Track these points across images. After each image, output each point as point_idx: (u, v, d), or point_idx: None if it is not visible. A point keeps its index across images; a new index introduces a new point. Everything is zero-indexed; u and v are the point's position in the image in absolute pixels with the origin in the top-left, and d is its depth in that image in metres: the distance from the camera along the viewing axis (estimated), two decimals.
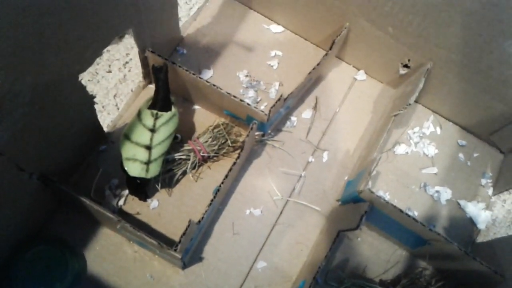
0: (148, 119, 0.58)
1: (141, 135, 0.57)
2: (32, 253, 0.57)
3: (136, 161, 0.57)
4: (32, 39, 0.40)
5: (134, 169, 0.57)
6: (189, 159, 0.63)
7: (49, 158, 0.54)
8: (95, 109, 0.59)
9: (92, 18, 0.47)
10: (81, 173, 0.64)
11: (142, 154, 0.57)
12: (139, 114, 0.59)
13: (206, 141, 0.64)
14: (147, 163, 0.57)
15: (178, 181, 0.65)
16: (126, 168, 0.57)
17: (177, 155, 0.63)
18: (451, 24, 0.58)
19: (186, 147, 0.63)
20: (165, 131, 0.59)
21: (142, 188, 0.61)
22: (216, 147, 0.64)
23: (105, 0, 0.48)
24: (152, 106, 0.59)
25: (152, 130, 0.58)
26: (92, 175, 0.63)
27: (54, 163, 0.56)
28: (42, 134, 0.50)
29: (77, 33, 0.46)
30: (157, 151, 0.58)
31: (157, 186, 0.63)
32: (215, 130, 0.65)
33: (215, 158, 0.66)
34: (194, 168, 0.65)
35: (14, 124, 0.43)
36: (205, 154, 0.63)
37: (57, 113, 0.50)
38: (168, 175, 0.63)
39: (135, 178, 0.58)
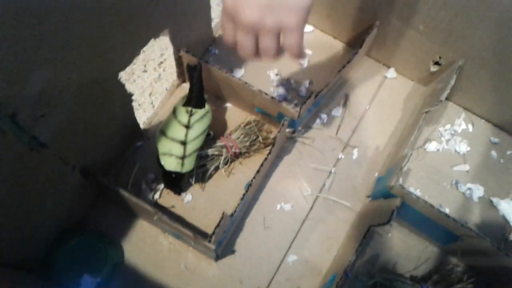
0: (183, 116, 0.61)
1: (177, 131, 0.60)
2: (73, 243, 0.60)
3: (171, 156, 0.59)
4: (78, 39, 0.43)
5: (170, 164, 0.59)
6: (221, 155, 0.65)
7: (89, 152, 0.57)
8: (132, 107, 0.62)
9: (131, 20, 0.50)
10: (119, 168, 0.67)
11: (178, 149, 0.59)
12: (174, 111, 0.62)
13: (238, 138, 0.65)
14: (182, 158, 0.59)
15: (210, 176, 0.67)
16: (162, 163, 0.59)
17: (210, 151, 0.65)
18: (483, 21, 0.58)
19: (219, 143, 0.65)
20: (199, 127, 0.61)
21: (177, 182, 0.64)
22: (247, 144, 0.66)
23: (144, 3, 0.51)
24: (186, 104, 0.62)
25: (187, 127, 0.60)
26: (129, 170, 0.66)
27: (94, 157, 0.59)
28: (84, 129, 0.53)
29: (118, 34, 0.49)
30: (191, 147, 0.60)
31: (191, 180, 0.65)
32: (247, 127, 0.66)
33: (246, 154, 0.68)
34: (226, 163, 0.67)
35: (59, 119, 0.46)
36: (237, 150, 0.65)
37: (98, 110, 0.53)
38: (201, 170, 0.65)
39: (170, 173, 0.60)
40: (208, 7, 0.69)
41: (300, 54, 0.47)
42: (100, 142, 0.58)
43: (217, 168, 0.67)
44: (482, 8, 0.56)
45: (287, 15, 0.42)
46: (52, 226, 0.58)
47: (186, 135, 0.60)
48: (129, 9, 0.48)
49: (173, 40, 0.62)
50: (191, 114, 0.61)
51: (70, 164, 0.53)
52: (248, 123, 0.67)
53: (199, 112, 0.61)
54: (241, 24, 0.42)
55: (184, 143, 0.59)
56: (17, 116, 0.40)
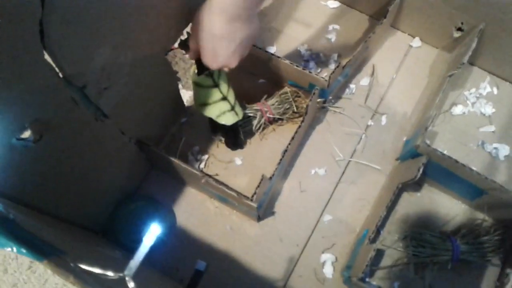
0: (207, 81, 0.66)
1: (213, 94, 0.65)
2: (131, 208, 0.68)
3: (225, 113, 0.65)
4: (131, 20, 0.49)
5: (228, 119, 0.66)
6: (255, 117, 0.71)
7: (143, 125, 0.64)
8: (177, 84, 0.68)
9: (175, 1, 0.56)
10: (167, 142, 0.74)
11: (225, 105, 0.65)
12: (197, 85, 0.67)
13: (273, 104, 0.71)
14: (232, 108, 0.66)
15: (245, 139, 0.74)
16: (223, 122, 0.66)
17: (246, 111, 0.71)
18: None
19: (255, 107, 0.71)
20: (224, 79, 0.66)
21: (238, 136, 0.71)
22: (281, 111, 0.71)
23: None
24: (200, 72, 0.68)
25: (216, 85, 0.66)
26: (176, 143, 0.73)
27: (147, 130, 0.66)
28: (137, 103, 0.60)
29: (164, 15, 0.55)
30: (231, 96, 0.66)
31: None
32: (282, 95, 0.72)
33: (279, 121, 0.73)
34: (260, 128, 0.73)
35: (118, 92, 0.53)
36: (271, 116, 0.71)
37: (149, 86, 0.60)
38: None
39: (231, 131, 0.67)
40: None
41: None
42: (151, 116, 0.65)
43: (251, 131, 0.73)
44: None
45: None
46: (113, 192, 0.65)
47: (221, 91, 0.65)
48: None
49: None
50: (211, 75, 0.67)
51: (127, 135, 0.60)
52: (284, 92, 0.72)
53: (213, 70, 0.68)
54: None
55: (225, 98, 0.65)
56: (86, 88, 0.47)
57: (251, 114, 0.72)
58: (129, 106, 0.57)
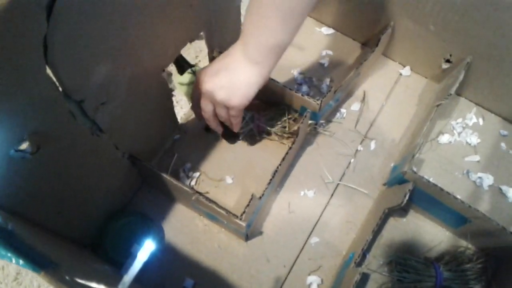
0: (191, 77, 0.67)
1: None
2: (122, 223, 0.68)
3: None
4: (132, 38, 0.50)
5: None
6: (246, 121, 0.73)
7: (136, 141, 0.65)
8: (172, 101, 0.70)
9: (173, 21, 0.57)
10: (160, 158, 0.74)
11: None
12: (183, 84, 0.68)
13: (266, 115, 0.73)
14: None
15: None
16: None
17: None
18: (488, 20, 0.64)
19: (249, 113, 0.73)
20: None
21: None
22: (272, 122, 0.73)
23: (184, 6, 0.59)
24: (182, 72, 0.68)
25: None
26: (168, 160, 0.74)
27: (140, 146, 0.67)
28: (133, 119, 0.60)
29: (163, 34, 0.56)
30: None
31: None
32: (278, 112, 0.73)
33: (267, 136, 0.75)
34: (245, 130, 0.74)
35: (115, 108, 0.54)
36: (262, 125, 0.72)
37: (145, 102, 0.61)
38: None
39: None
40: (238, 11, 0.77)
41: (235, 127, 0.64)
42: (145, 132, 0.66)
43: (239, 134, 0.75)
44: (486, 9, 0.62)
45: (230, 98, 0.56)
46: (104, 206, 0.66)
47: None
48: (172, 13, 0.56)
49: (208, 40, 0.69)
50: (193, 72, 0.67)
51: (121, 150, 0.61)
52: (281, 110, 0.74)
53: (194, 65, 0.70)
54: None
55: None
56: (84, 102, 0.48)
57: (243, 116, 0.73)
58: (125, 122, 0.58)
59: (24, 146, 0.42)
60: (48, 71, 0.41)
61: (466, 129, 0.78)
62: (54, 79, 0.42)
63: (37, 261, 0.36)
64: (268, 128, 0.74)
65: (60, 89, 0.44)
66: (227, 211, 0.61)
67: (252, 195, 0.63)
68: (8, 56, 0.35)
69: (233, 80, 0.55)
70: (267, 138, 0.76)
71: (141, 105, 0.60)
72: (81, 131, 0.50)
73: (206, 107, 0.60)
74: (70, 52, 0.42)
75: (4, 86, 0.36)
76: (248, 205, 0.62)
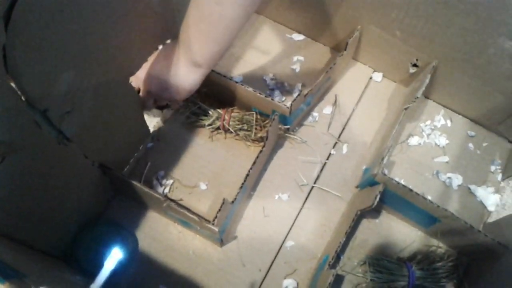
0: None
1: None
2: (94, 233, 0.67)
3: None
4: (96, 46, 0.50)
5: None
6: (212, 117, 0.75)
7: (107, 149, 0.64)
8: (140, 109, 0.70)
9: (138, 28, 0.57)
10: (132, 167, 0.74)
11: None
12: None
13: (234, 118, 0.74)
14: None
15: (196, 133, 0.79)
16: None
17: (206, 108, 0.76)
18: (450, 25, 0.66)
19: (219, 110, 0.75)
20: None
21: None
22: (238, 127, 0.74)
23: (149, 14, 0.59)
24: None
25: None
26: (141, 168, 0.74)
27: (111, 155, 0.66)
28: (101, 127, 0.60)
29: (127, 42, 0.56)
30: None
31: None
32: (246, 117, 0.74)
33: (232, 135, 0.77)
34: (212, 127, 0.77)
35: (81, 117, 0.54)
36: (227, 126, 0.74)
37: (113, 111, 0.61)
38: (193, 118, 0.77)
39: None
40: None
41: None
42: (115, 141, 0.66)
43: (202, 127, 0.78)
44: (448, 14, 0.64)
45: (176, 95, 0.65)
46: (76, 216, 0.65)
47: None
48: (136, 19, 0.56)
49: None
50: None
51: (90, 159, 0.60)
52: (250, 114, 0.74)
53: None
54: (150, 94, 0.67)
55: None
56: (48, 111, 0.47)
57: (211, 113, 0.75)
58: (93, 130, 0.58)
59: None
60: (9, 80, 0.41)
61: (434, 131, 0.80)
62: (16, 88, 0.42)
63: (1, 271, 0.35)
64: (232, 130, 0.75)
65: (23, 98, 0.43)
66: (199, 217, 0.62)
67: (224, 200, 0.63)
68: None
69: (178, 82, 0.63)
70: (236, 139, 0.78)
71: (109, 113, 0.60)
72: (47, 140, 0.50)
73: (149, 101, 0.70)
74: (31, 62, 0.42)
75: None
76: (219, 209, 0.62)
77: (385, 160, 0.67)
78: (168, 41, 0.66)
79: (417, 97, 0.71)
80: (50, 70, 0.45)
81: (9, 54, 0.38)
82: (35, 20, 0.39)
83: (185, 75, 0.62)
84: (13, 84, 0.41)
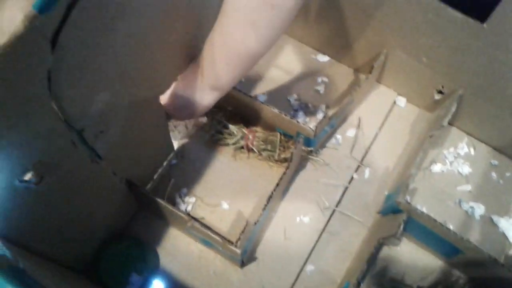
0: None
1: None
2: (117, 249, 0.68)
3: None
4: (132, 67, 0.51)
5: None
6: (236, 137, 0.76)
7: (133, 166, 0.65)
8: (168, 126, 0.70)
9: (170, 49, 0.58)
10: (156, 183, 0.74)
11: None
12: None
13: (259, 137, 0.75)
14: None
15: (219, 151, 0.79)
16: None
17: (231, 127, 0.76)
18: (478, 55, 0.65)
19: (244, 129, 0.76)
20: None
21: None
22: (261, 148, 0.75)
23: (180, 34, 0.59)
24: None
25: None
26: (164, 184, 0.74)
27: (137, 171, 0.67)
28: (130, 145, 0.61)
29: (161, 62, 0.57)
30: None
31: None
32: (270, 137, 0.75)
33: (256, 154, 0.77)
34: (235, 146, 0.77)
35: (113, 135, 0.55)
36: (251, 146, 0.74)
37: (142, 127, 0.62)
38: (216, 137, 0.78)
39: None
40: None
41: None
42: (141, 157, 0.66)
43: (226, 146, 0.78)
44: (477, 45, 0.64)
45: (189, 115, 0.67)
46: (100, 231, 0.65)
47: None
48: (169, 42, 0.57)
49: None
50: None
51: (118, 176, 0.61)
52: (274, 135, 0.75)
53: None
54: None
55: None
56: (84, 131, 0.48)
57: (235, 132, 0.75)
58: (122, 148, 0.59)
59: (28, 176, 0.42)
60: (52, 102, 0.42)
61: (458, 159, 0.80)
62: (57, 109, 0.43)
63: (28, 286, 0.36)
64: (256, 150, 0.75)
65: (63, 119, 0.44)
66: (222, 238, 0.62)
67: (247, 222, 0.63)
68: (15, 90, 0.35)
69: (194, 103, 0.64)
70: (259, 159, 0.78)
71: (138, 131, 0.61)
72: (81, 158, 0.50)
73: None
74: (72, 83, 0.42)
75: (10, 120, 0.36)
76: (243, 231, 0.62)
77: (409, 188, 0.66)
78: None
79: (443, 126, 0.71)
80: (89, 91, 0.46)
81: (53, 77, 0.39)
82: (79, 43, 0.40)
83: (202, 97, 0.63)
84: (55, 106, 0.42)
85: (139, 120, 0.60)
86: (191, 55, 0.66)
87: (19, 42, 0.33)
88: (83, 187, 0.54)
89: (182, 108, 0.65)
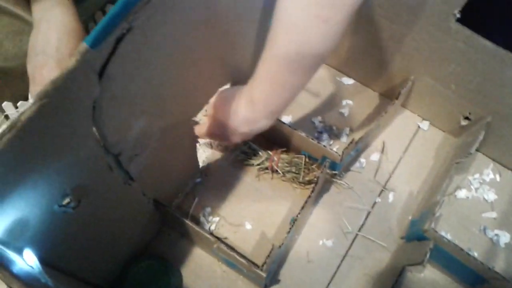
0: None
1: None
2: (142, 266, 0.68)
3: None
4: (168, 93, 0.52)
5: None
6: (261, 158, 0.77)
7: (161, 186, 0.66)
8: (196, 147, 0.71)
9: (205, 74, 0.59)
10: (180, 201, 0.75)
11: None
12: None
13: (283, 159, 0.75)
14: None
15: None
16: None
17: (256, 148, 0.77)
18: (507, 83, 0.65)
19: (269, 151, 0.77)
20: None
21: None
22: (286, 170, 0.75)
23: (214, 60, 0.61)
24: None
25: None
26: (188, 203, 0.75)
27: (164, 190, 0.68)
28: (160, 166, 0.62)
29: (195, 87, 0.58)
30: None
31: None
32: (295, 159, 0.75)
33: (280, 175, 0.77)
34: (260, 167, 0.77)
35: (146, 158, 0.56)
36: (275, 167, 0.75)
37: (173, 149, 0.63)
38: (241, 157, 0.78)
39: None
40: None
41: None
42: (170, 177, 0.67)
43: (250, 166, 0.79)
44: (506, 73, 0.64)
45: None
46: (126, 250, 0.66)
47: None
48: (204, 68, 0.58)
49: None
50: None
51: (147, 196, 0.62)
52: (298, 158, 0.75)
53: None
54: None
55: None
56: (121, 155, 0.49)
57: (260, 153, 0.76)
58: (153, 169, 0.60)
59: (67, 201, 0.43)
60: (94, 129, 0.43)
61: (483, 185, 0.79)
62: (98, 136, 0.44)
63: None
64: (281, 172, 0.76)
65: (102, 144, 0.45)
66: (248, 261, 0.62)
67: (273, 246, 0.63)
68: (64, 121, 0.36)
69: (238, 129, 0.61)
70: (283, 180, 0.78)
71: (169, 152, 0.62)
72: (115, 181, 0.51)
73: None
74: (114, 111, 0.43)
75: (57, 149, 0.37)
76: (269, 255, 0.62)
77: (436, 215, 0.66)
78: (228, 85, 0.68)
79: (470, 153, 0.70)
80: (128, 117, 0.47)
81: (97, 106, 0.40)
82: (124, 73, 0.41)
83: (246, 123, 0.61)
84: (96, 133, 0.43)
85: (171, 142, 0.61)
86: (225, 81, 0.67)
87: (70, 75, 0.34)
88: (114, 208, 0.55)
89: (222, 133, 0.63)
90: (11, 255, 0.39)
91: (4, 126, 0.32)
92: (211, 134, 0.66)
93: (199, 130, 0.67)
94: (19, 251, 0.41)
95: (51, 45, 0.57)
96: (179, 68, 0.50)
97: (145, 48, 0.41)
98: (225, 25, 0.55)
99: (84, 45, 0.33)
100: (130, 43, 0.38)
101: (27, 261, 0.40)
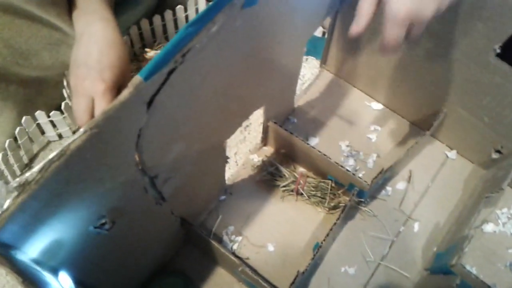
0: None
1: None
2: (162, 283, 0.68)
3: None
4: (205, 120, 0.52)
5: None
6: (288, 179, 0.77)
7: (189, 205, 0.66)
8: (225, 166, 0.71)
9: (241, 100, 0.59)
10: (203, 218, 0.75)
11: None
12: None
13: (309, 183, 0.75)
14: None
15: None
16: None
17: (283, 170, 0.77)
18: None
19: (295, 172, 0.77)
20: None
21: None
22: (312, 193, 0.75)
23: (251, 87, 0.61)
24: None
25: None
26: (212, 220, 0.75)
27: (191, 209, 0.68)
28: (191, 186, 0.62)
29: (231, 113, 0.59)
30: None
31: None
32: (321, 184, 0.75)
33: (305, 198, 0.77)
34: (285, 189, 0.77)
35: (179, 179, 0.56)
36: (301, 190, 0.75)
37: (204, 170, 0.63)
38: (267, 177, 0.78)
39: None
40: (294, 87, 0.79)
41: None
42: (198, 196, 0.67)
43: (275, 187, 0.78)
44: None
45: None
46: (150, 266, 0.66)
47: None
48: (241, 94, 0.58)
49: (266, 112, 0.72)
50: None
51: (175, 215, 0.62)
52: (325, 182, 0.75)
53: None
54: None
55: None
56: (157, 177, 0.49)
57: (287, 175, 0.76)
58: (184, 190, 0.60)
59: (102, 222, 0.43)
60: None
61: (511, 220, 0.78)
62: (138, 160, 0.44)
63: None
64: (306, 195, 0.75)
65: (140, 167, 0.45)
66: (272, 286, 0.62)
67: (298, 272, 0.63)
68: (109, 150, 0.37)
69: None
70: (307, 203, 0.78)
71: (200, 173, 0.62)
72: (148, 202, 0.52)
73: None
74: (156, 137, 0.44)
75: (100, 174, 0.38)
76: (293, 282, 0.62)
77: (464, 250, 0.65)
78: (262, 108, 0.68)
79: (502, 189, 0.69)
80: (166, 142, 0.47)
81: (142, 134, 0.40)
82: (170, 102, 0.41)
83: None
84: (137, 158, 0.43)
85: (204, 164, 0.61)
86: (260, 104, 0.67)
87: (122, 106, 0.34)
88: (144, 227, 0.55)
89: None
90: (47, 276, 0.40)
91: (53, 154, 0.33)
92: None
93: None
94: (52, 271, 0.42)
95: (93, 58, 0.57)
96: (222, 96, 0.51)
97: (193, 78, 0.42)
98: (266, 53, 0.55)
99: (138, 78, 0.34)
100: (180, 74, 0.38)
101: (61, 283, 0.40)
